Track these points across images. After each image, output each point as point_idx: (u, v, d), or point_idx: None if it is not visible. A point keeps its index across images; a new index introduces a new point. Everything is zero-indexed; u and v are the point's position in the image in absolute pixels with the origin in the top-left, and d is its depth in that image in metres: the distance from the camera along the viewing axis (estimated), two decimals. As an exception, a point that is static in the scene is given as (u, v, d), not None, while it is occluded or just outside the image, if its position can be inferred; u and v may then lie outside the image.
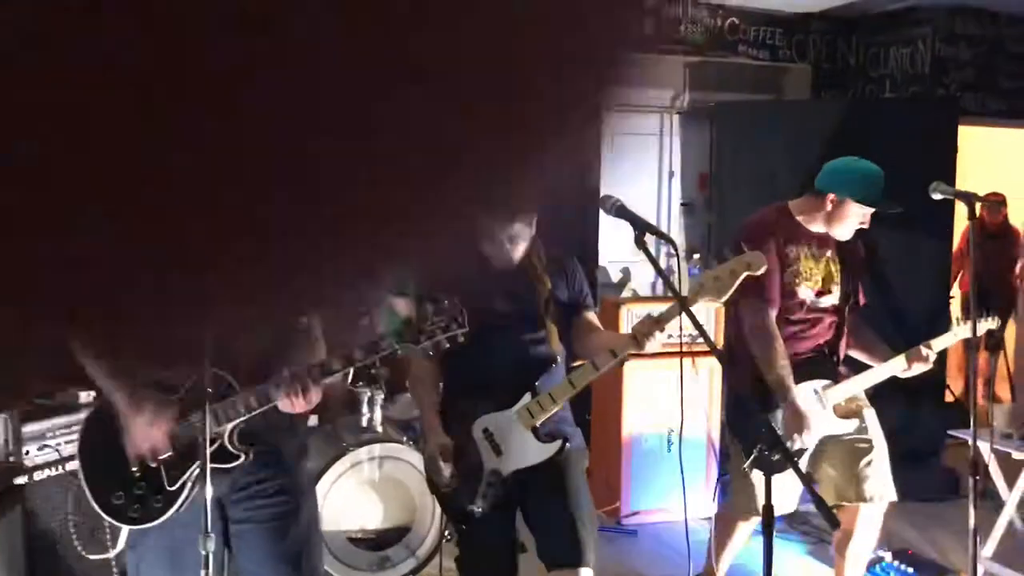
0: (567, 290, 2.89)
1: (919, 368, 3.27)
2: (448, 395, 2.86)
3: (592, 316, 2.95)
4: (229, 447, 2.22)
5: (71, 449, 3.02)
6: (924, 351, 3.27)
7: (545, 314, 2.79)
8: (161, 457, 2.19)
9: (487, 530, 2.77)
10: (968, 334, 3.28)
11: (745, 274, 2.56)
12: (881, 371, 3.31)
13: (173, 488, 2.20)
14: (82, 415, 3.05)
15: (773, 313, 3.23)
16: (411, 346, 2.21)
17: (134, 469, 2.21)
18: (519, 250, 2.76)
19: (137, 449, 2.17)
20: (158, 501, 2.19)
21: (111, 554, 3.01)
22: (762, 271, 2.67)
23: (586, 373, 2.72)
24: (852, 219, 3.25)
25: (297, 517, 2.39)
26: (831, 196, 3.24)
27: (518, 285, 2.80)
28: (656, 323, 2.60)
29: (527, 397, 2.73)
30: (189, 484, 2.19)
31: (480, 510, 2.72)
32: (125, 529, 2.28)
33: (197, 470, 2.17)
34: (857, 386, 3.31)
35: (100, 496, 2.23)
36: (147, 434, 2.16)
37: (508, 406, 2.74)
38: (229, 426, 2.19)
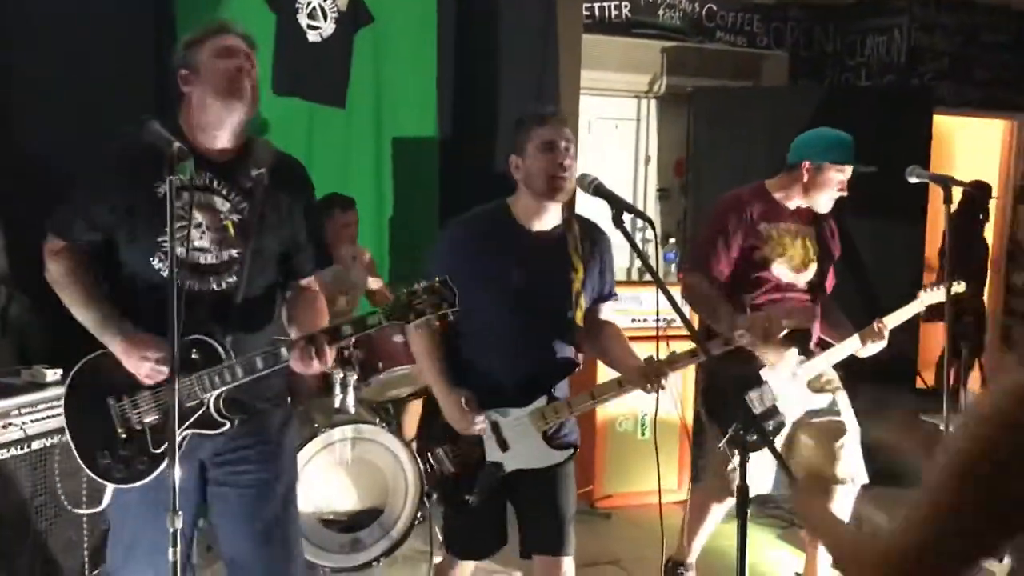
0: (599, 281, 2.78)
1: (874, 345, 3.29)
2: (460, 377, 2.72)
3: (610, 311, 2.85)
4: (214, 414, 2.25)
5: (37, 428, 2.97)
6: (876, 326, 3.29)
7: (575, 308, 2.69)
8: (148, 420, 2.25)
9: (476, 518, 2.75)
10: (934, 300, 3.31)
11: None
12: (840, 349, 3.32)
13: (158, 451, 2.24)
14: (48, 393, 3.02)
15: (706, 283, 3.26)
16: (400, 323, 2.21)
17: (120, 431, 2.26)
18: (569, 181, 2.58)
19: (140, 377, 2.22)
20: (142, 463, 2.25)
21: (93, 511, 2.97)
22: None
23: (609, 390, 2.70)
24: (830, 185, 3.26)
25: (274, 487, 2.41)
26: (806, 164, 3.26)
27: (556, 269, 2.67)
28: (669, 364, 2.61)
29: (542, 400, 2.68)
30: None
31: (476, 500, 2.69)
32: (110, 487, 2.32)
33: (182, 433, 2.23)
34: (822, 363, 3.33)
35: (87, 455, 2.29)
36: (148, 365, 2.20)
37: (521, 404, 2.68)
38: (214, 393, 2.23)
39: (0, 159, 3.77)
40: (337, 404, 3.89)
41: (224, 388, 2.22)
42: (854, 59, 6.81)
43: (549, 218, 2.68)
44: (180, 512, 1.95)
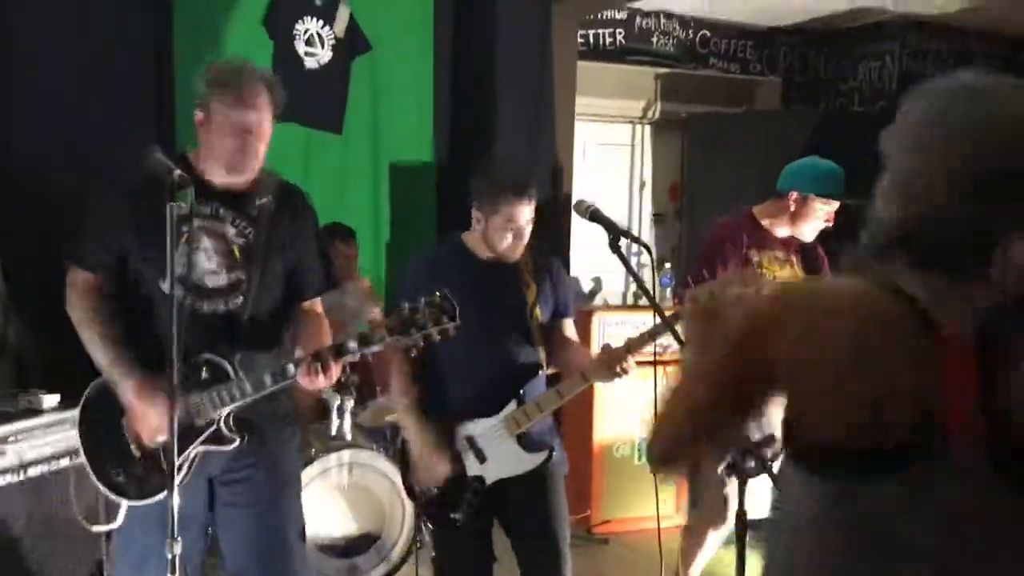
0: (552, 295, 2.88)
1: None
2: (430, 399, 2.82)
3: (570, 325, 2.94)
4: (224, 431, 2.32)
5: (34, 454, 2.96)
6: None
7: (531, 317, 2.79)
8: (159, 441, 2.29)
9: (464, 538, 2.75)
10: None
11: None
12: None
13: None
14: (44, 419, 3.01)
15: None
16: (402, 338, 2.26)
17: (134, 449, 2.33)
18: (521, 247, 2.76)
19: (141, 433, 2.30)
20: (155, 479, 2.31)
21: (110, 527, 2.95)
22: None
23: (575, 385, 2.71)
24: (816, 216, 3.29)
25: (279, 506, 2.47)
26: (793, 195, 3.28)
27: (509, 285, 2.80)
28: (626, 350, 2.63)
29: (512, 405, 2.72)
30: (185, 466, 2.30)
31: (462, 518, 2.70)
32: (125, 504, 2.38)
33: (193, 452, 2.31)
34: None
35: (101, 473, 2.36)
36: (151, 422, 2.27)
37: (492, 413, 2.72)
38: (225, 411, 2.30)
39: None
40: (334, 430, 3.88)
41: (234, 405, 2.29)
42: (847, 84, 6.86)
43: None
44: (179, 539, 1.97)
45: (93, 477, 2.37)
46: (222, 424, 2.31)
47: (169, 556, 1.94)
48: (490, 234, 2.74)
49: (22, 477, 2.95)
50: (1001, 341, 1.22)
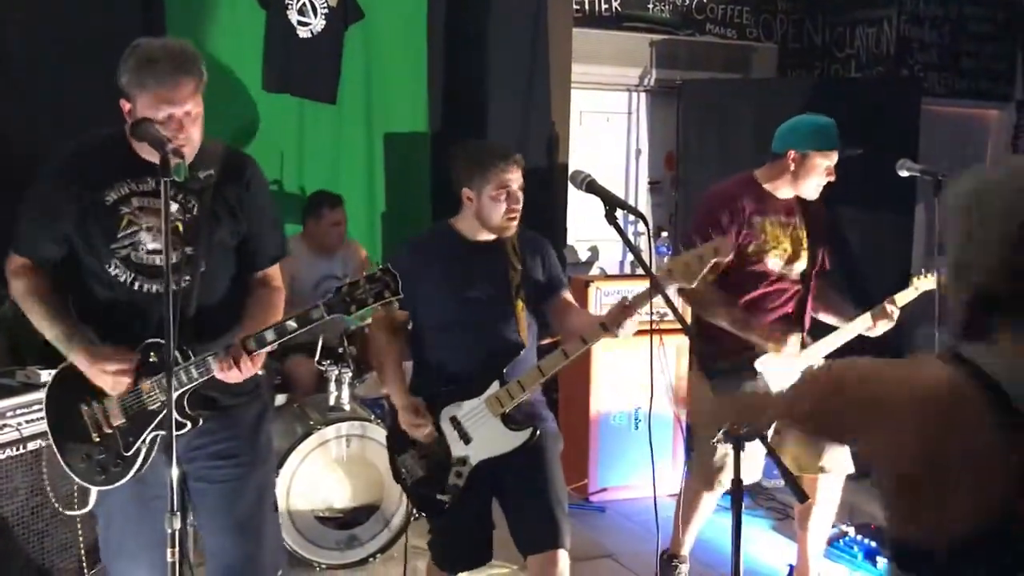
0: (543, 271, 2.88)
1: (884, 326, 3.32)
2: (414, 381, 2.86)
3: (568, 295, 2.94)
4: (176, 414, 2.22)
5: (33, 428, 2.97)
6: (889, 307, 3.31)
7: (516, 299, 2.78)
8: (116, 424, 2.29)
9: (463, 517, 2.77)
10: (930, 286, 3.33)
11: (713, 260, 2.59)
12: (848, 330, 3.35)
13: (129, 453, 2.29)
14: (44, 394, 3.00)
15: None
16: (343, 316, 2.21)
17: (94, 435, 2.31)
18: (517, 215, 2.75)
19: (105, 388, 2.26)
20: (116, 465, 2.30)
21: (83, 511, 2.99)
22: (729, 258, 2.72)
23: (556, 361, 2.71)
24: (817, 172, 3.28)
25: (248, 481, 2.44)
26: (791, 154, 3.28)
27: (492, 264, 2.80)
28: (626, 310, 2.60)
29: (495, 385, 2.72)
30: (144, 449, 2.29)
31: (448, 499, 2.71)
32: (94, 490, 2.38)
33: (150, 436, 2.28)
34: (827, 346, 3.35)
35: (69, 459, 2.35)
36: (107, 380, 2.24)
37: (476, 394, 2.73)
38: (175, 395, 2.19)
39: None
40: (332, 401, 3.90)
41: (184, 389, 2.24)
42: (843, 51, 6.81)
43: (489, 233, 2.82)
44: (178, 513, 1.97)
45: (62, 464, 2.35)
46: (174, 408, 2.20)
47: (169, 531, 1.94)
48: (485, 209, 2.73)
49: (23, 450, 2.96)
50: None
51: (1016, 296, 1.29)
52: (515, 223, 2.77)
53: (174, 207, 2.27)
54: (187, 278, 2.29)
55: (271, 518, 2.55)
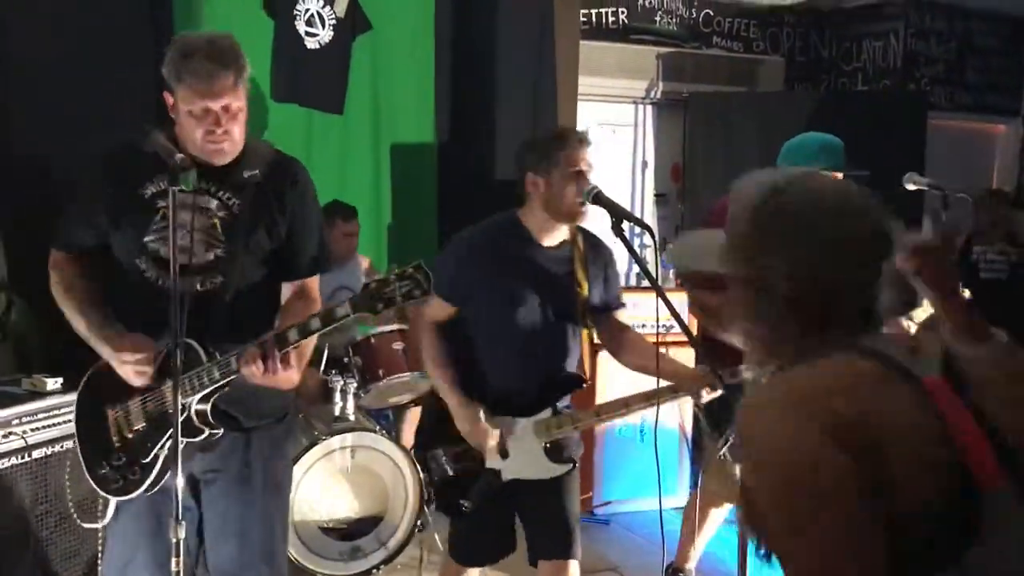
0: (604, 290, 2.76)
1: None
2: (464, 380, 2.70)
3: (622, 316, 2.84)
4: (195, 419, 2.19)
5: (38, 437, 2.96)
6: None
7: (581, 323, 2.68)
8: (137, 427, 2.23)
9: (484, 521, 2.74)
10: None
11: None
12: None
13: (147, 460, 2.22)
14: (49, 402, 3.01)
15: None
16: (368, 315, 2.08)
17: (116, 440, 2.25)
18: (585, 213, 2.57)
19: (128, 379, 2.20)
20: (133, 473, 2.23)
21: (100, 524, 2.96)
22: None
23: (615, 409, 2.71)
24: None
25: (262, 506, 2.37)
26: None
27: (565, 283, 2.66)
28: (704, 380, 2.59)
29: (547, 412, 2.67)
30: (161, 456, 2.20)
31: (470, 506, 2.67)
32: (112, 502, 2.30)
33: (168, 442, 2.16)
34: None
35: (91, 466, 2.29)
36: (129, 370, 2.18)
37: (526, 414, 2.68)
38: (195, 398, 2.16)
39: (-1, 165, 3.78)
40: (337, 412, 3.89)
41: (205, 392, 2.16)
42: (850, 64, 6.83)
43: (559, 234, 2.68)
44: (182, 522, 1.95)
45: (85, 471, 2.30)
46: (192, 414, 2.17)
47: (174, 540, 1.93)
48: (555, 194, 2.54)
49: (27, 459, 2.95)
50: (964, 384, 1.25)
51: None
52: (586, 211, 2.58)
53: (213, 204, 2.23)
54: (218, 279, 2.23)
55: (280, 549, 2.47)
